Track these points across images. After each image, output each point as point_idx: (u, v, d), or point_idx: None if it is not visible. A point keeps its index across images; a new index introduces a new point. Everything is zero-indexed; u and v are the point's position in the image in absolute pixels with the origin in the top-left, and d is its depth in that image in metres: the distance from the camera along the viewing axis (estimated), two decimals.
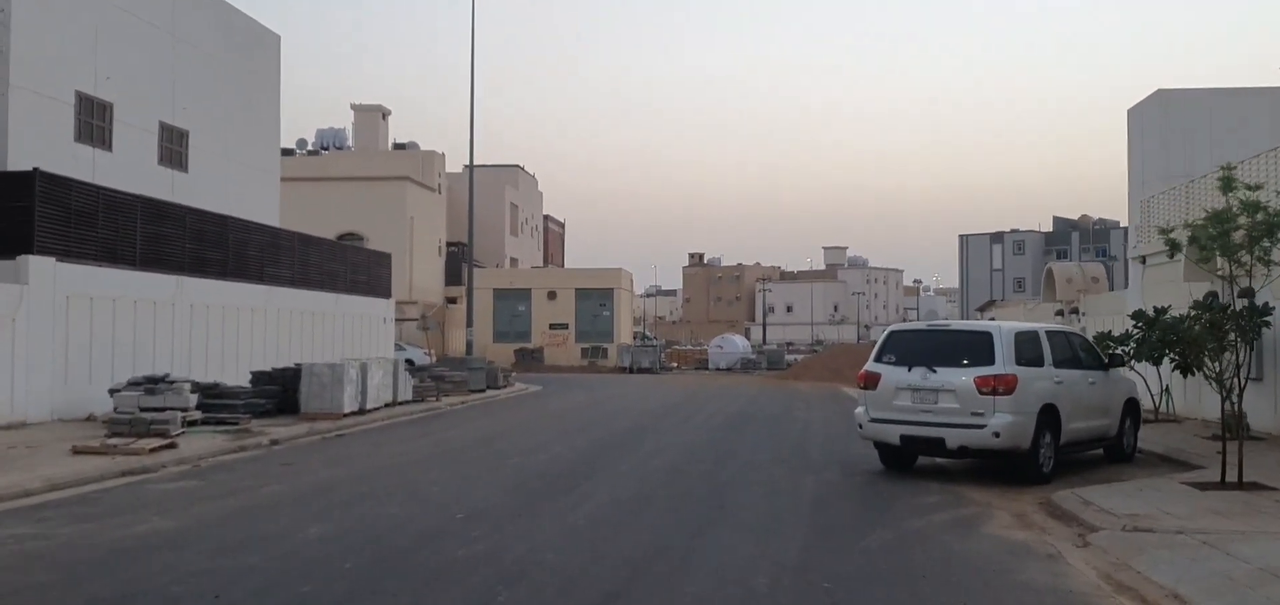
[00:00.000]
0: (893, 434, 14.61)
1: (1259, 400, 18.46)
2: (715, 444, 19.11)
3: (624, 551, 9.43)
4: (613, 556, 9.22)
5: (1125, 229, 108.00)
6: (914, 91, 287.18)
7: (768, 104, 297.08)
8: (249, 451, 17.98)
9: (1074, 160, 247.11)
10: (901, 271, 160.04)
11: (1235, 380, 13.49)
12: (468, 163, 40.15)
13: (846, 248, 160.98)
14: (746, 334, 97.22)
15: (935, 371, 14.29)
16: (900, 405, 14.54)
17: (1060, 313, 31.69)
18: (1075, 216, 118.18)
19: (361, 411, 25.09)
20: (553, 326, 61.66)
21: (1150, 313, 21.52)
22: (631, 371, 56.07)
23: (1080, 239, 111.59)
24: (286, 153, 78.30)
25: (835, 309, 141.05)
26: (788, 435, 21.23)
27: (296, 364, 25.46)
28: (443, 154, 66.74)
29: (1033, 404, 14.10)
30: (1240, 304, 18.95)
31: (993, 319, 15.98)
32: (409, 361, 44.47)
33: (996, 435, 13.74)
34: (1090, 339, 18.38)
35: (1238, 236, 12.22)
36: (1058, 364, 14.96)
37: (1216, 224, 12.33)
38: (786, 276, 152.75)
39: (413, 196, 61.35)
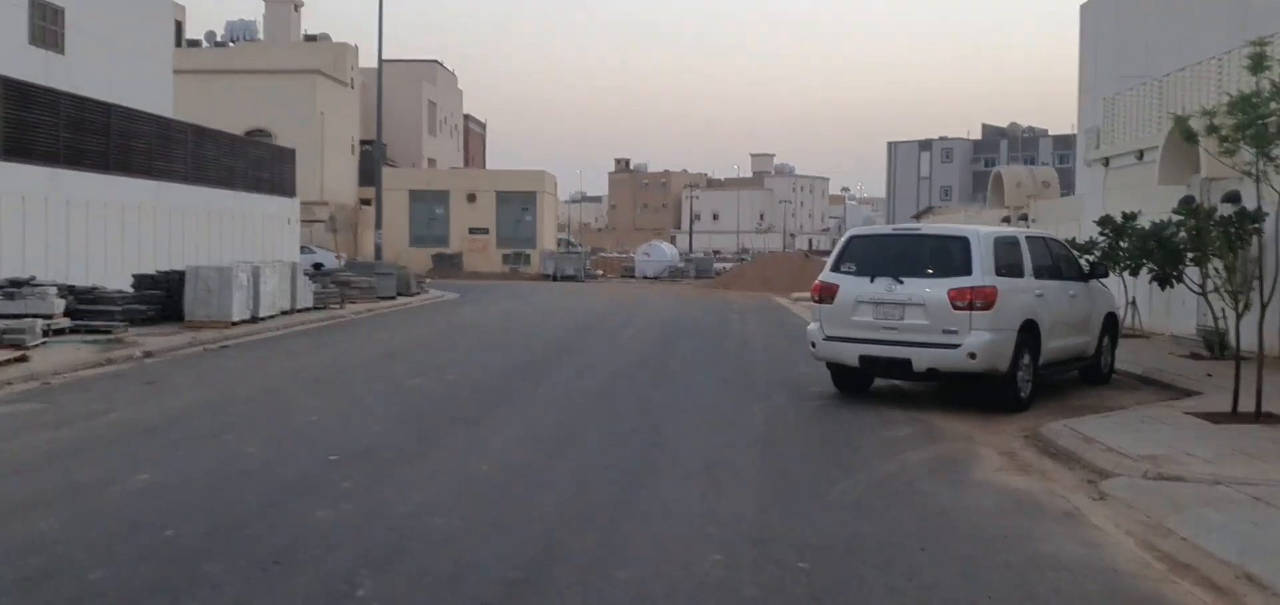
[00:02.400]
0: (851, 354, 12.68)
1: (1246, 314, 16.90)
2: (647, 363, 17.07)
3: (537, 513, 7.33)
4: (522, 521, 7.12)
5: (1054, 137, 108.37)
6: None
7: (695, 6, 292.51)
8: (115, 365, 15.58)
9: (1003, 68, 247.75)
10: (827, 180, 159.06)
11: (1251, 295, 11.72)
12: (381, 53, 37.09)
13: (774, 155, 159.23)
14: (672, 241, 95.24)
15: (902, 282, 12.35)
16: (860, 321, 12.60)
17: (1007, 219, 30.13)
18: (1004, 125, 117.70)
19: (253, 320, 22.64)
20: (472, 231, 58.75)
21: (1118, 219, 19.89)
22: (555, 279, 53.78)
23: (1009, 147, 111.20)
24: (193, 44, 73.79)
25: (761, 217, 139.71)
26: (726, 352, 19.27)
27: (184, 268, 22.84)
28: (356, 47, 62.90)
29: (1013, 320, 12.27)
30: (1226, 209, 17.39)
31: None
32: (319, 265, 41.68)
33: (972, 356, 11.89)
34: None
35: (1272, 124, 10.35)
36: (1038, 274, 13.15)
37: (1244, 109, 10.44)
38: (713, 184, 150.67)
39: (324, 91, 57.70)
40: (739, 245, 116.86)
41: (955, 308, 11.98)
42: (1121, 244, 18.69)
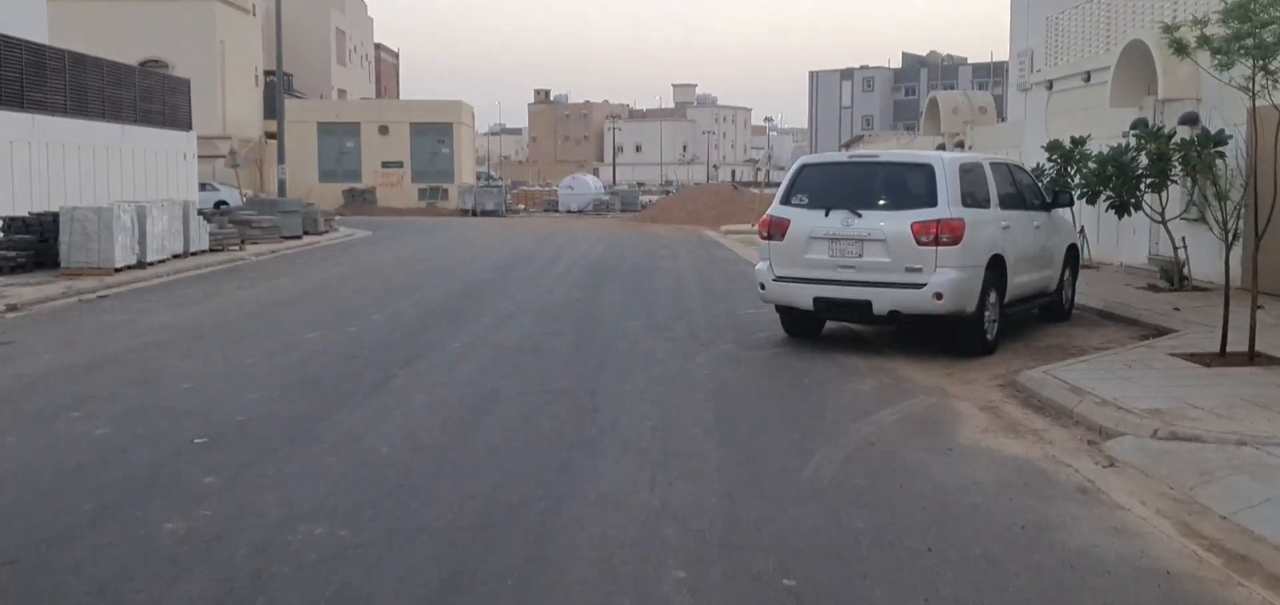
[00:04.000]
0: (804, 296, 11.36)
1: (1201, 244, 16.00)
2: (575, 306, 15.59)
3: (445, 514, 5.87)
4: (427, 527, 5.65)
5: (974, 65, 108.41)
6: None
7: None
8: None
9: None
10: (750, 110, 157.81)
11: (1239, 224, 10.65)
12: None
13: (696, 86, 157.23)
14: (596, 173, 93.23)
15: (860, 215, 11.04)
16: (814, 259, 11.28)
17: (942, 146, 29.11)
18: (924, 53, 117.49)
19: (140, 265, 20.66)
20: (386, 165, 56.16)
21: (1067, 144, 18.86)
22: (474, 214, 51.75)
23: (929, 75, 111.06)
24: None
25: (685, 149, 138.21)
26: (660, 291, 17.86)
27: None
28: None
29: (980, 256, 11.07)
30: (1186, 132, 16.40)
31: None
32: (222, 203, 39.27)
33: (938, 296, 10.67)
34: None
35: (1272, 33, 9.16)
36: (1003, 204, 11.96)
37: (1241, 17, 9.24)
38: (635, 115, 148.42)
39: (223, 18, 54.46)
40: (663, 177, 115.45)
41: (919, 243, 10.73)
42: (1070, 170, 17.69)
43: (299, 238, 30.10)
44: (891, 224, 10.90)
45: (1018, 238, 12.07)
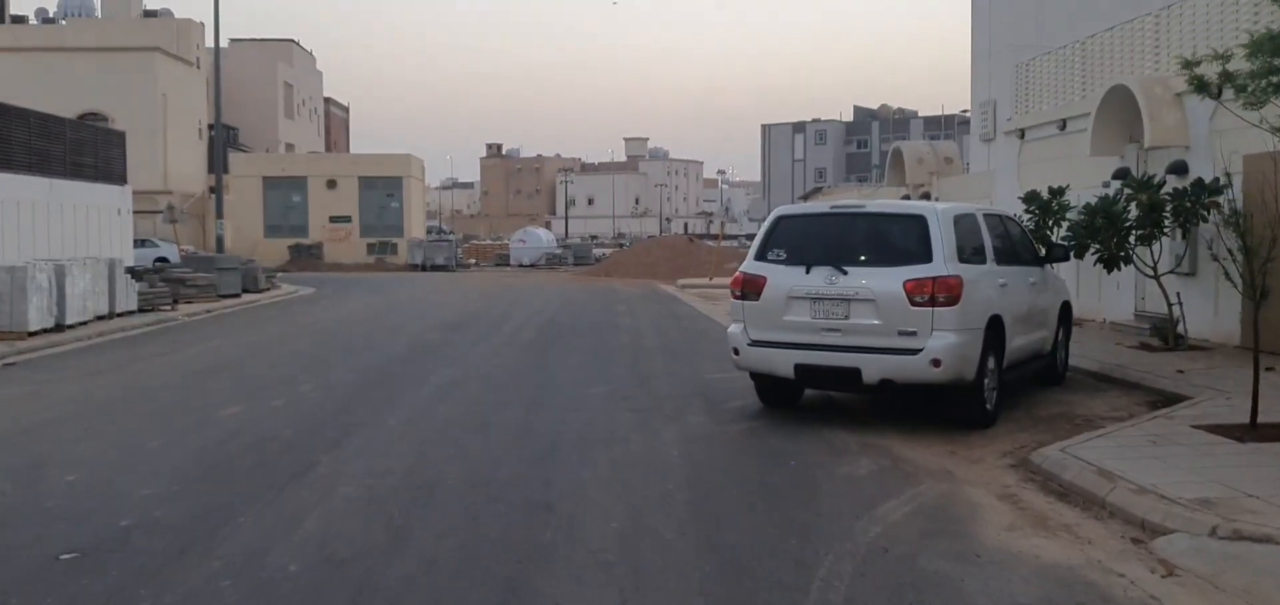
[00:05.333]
0: (784, 363, 10.18)
1: (1197, 300, 15.10)
2: (528, 372, 14.28)
3: None
4: None
5: (924, 118, 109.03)
6: None
7: None
8: None
9: (873, 50, 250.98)
10: (701, 163, 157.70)
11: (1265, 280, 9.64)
12: (218, 15, 33.22)
13: (648, 138, 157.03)
14: (548, 227, 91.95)
15: (845, 272, 9.92)
16: (794, 321, 10.12)
17: (907, 197, 28.26)
18: (875, 106, 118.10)
19: (58, 328, 19.18)
20: (333, 219, 54.49)
21: (1044, 194, 17.98)
22: (424, 269, 50.27)
23: (880, 128, 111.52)
24: (18, 20, 67.52)
25: (636, 202, 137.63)
26: (619, 352, 16.59)
27: None
28: (201, 23, 58.10)
29: (979, 317, 9.99)
30: (1177, 182, 15.52)
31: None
32: (163, 260, 37.49)
33: (936, 363, 9.54)
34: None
35: None
36: (999, 258, 10.92)
37: (1271, 51, 8.26)
38: (588, 168, 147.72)
39: (165, 70, 52.87)
40: (615, 230, 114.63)
41: (914, 303, 9.60)
42: (1049, 223, 16.81)
43: (237, 296, 28.53)
44: (882, 282, 9.78)
45: (1015, 296, 11.04)
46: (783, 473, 8.32)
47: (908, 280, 9.64)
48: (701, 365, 14.70)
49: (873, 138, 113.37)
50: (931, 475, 8.19)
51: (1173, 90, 15.69)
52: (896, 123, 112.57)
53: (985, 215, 11.27)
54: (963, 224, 10.42)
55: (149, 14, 61.60)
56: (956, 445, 9.29)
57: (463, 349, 16.97)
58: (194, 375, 14.14)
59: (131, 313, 22.41)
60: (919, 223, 9.98)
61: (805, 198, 59.47)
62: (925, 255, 9.77)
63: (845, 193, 46.43)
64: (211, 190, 55.41)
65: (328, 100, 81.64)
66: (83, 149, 30.88)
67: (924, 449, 9.10)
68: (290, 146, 66.92)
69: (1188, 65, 9.67)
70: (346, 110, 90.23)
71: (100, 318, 21.00)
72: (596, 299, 29.77)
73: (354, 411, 10.95)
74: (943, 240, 9.82)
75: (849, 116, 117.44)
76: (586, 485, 7.82)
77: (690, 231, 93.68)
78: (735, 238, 63.37)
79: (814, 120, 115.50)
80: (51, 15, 72.64)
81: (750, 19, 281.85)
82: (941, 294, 9.60)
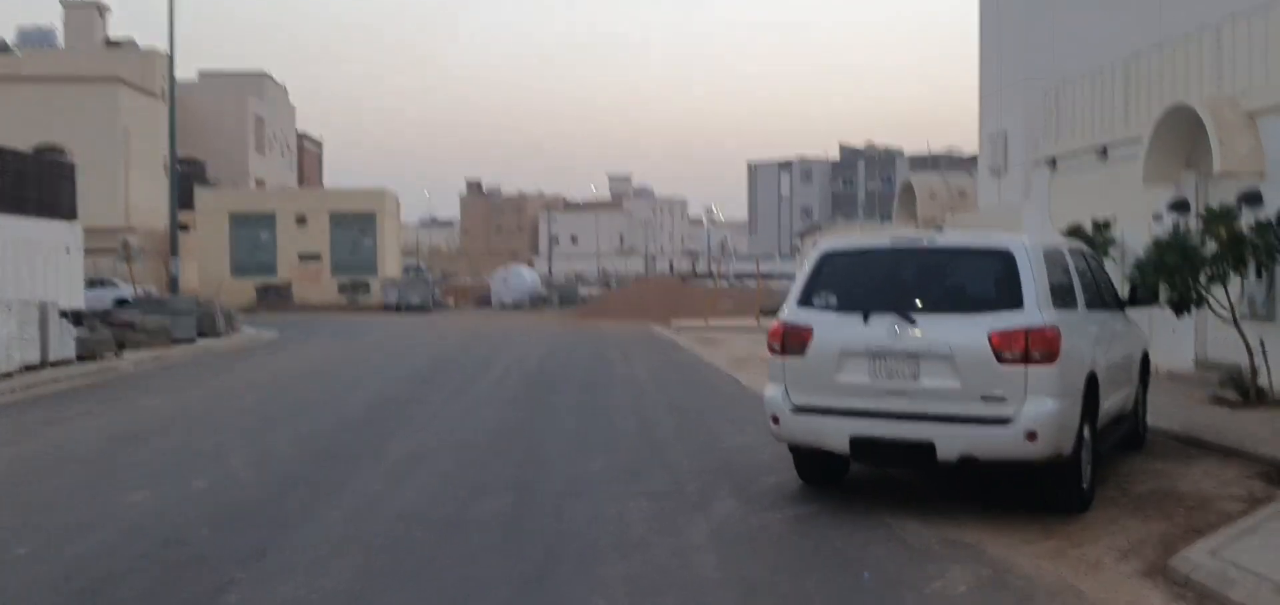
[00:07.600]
0: (837, 434, 8.07)
1: (1278, 348, 13.14)
2: (511, 438, 12.06)
3: None
4: None
5: (910, 157, 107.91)
6: (699, 16, 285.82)
7: (544, 24, 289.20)
8: None
9: (858, 88, 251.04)
10: (686, 201, 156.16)
11: None
12: (182, 56, 31.11)
13: (631, 176, 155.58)
14: (531, 265, 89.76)
15: (912, 322, 7.87)
16: (850, 383, 8.04)
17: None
18: (861, 144, 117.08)
19: None
20: (303, 257, 52.12)
21: (1089, 227, 16.12)
22: (399, 310, 47.95)
23: (867, 166, 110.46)
24: None
25: (621, 240, 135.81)
26: (619, 411, 14.35)
27: None
28: (167, 54, 55.77)
29: (1078, 377, 8.00)
30: (1255, 215, 13.62)
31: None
32: (123, 301, 35.10)
33: (1032, 437, 7.49)
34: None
35: None
36: (1089, 304, 8.93)
37: None
38: (571, 206, 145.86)
39: (128, 103, 50.70)
40: (600, 269, 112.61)
41: (1002, 360, 7.56)
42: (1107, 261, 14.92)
43: (192, 341, 26.21)
44: (960, 334, 7.72)
45: (1107, 349, 9.05)
46: (859, 595, 6.20)
47: (995, 332, 7.59)
48: (716, 426, 12.60)
49: (859, 176, 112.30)
50: (1047, 590, 6.12)
51: (1245, 109, 13.81)
52: (883, 161, 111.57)
53: (1070, 250, 9.27)
54: (1053, 261, 8.41)
55: (112, 44, 59.38)
56: (1058, 538, 7.27)
57: (433, 406, 14.76)
58: (112, 442, 11.89)
59: (67, 361, 20.11)
60: (1005, 260, 7.94)
61: (802, 236, 57.18)
62: (1014, 300, 7.74)
63: (846, 230, 44.48)
64: (181, 227, 53.18)
65: (301, 135, 79.45)
66: (25, 181, 28.59)
67: (1022, 547, 7.05)
68: (261, 182, 64.65)
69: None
70: (320, 145, 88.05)
71: (29, 367, 18.72)
72: (586, 343, 27.59)
73: (288, 498, 8.71)
74: (1035, 281, 7.80)
75: (834, 154, 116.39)
76: None
77: (675, 270, 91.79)
78: (726, 277, 61.24)
79: (800, 158, 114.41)
80: (10, 45, 70.44)
81: (731, 57, 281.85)
82: (1037, 349, 7.56)
